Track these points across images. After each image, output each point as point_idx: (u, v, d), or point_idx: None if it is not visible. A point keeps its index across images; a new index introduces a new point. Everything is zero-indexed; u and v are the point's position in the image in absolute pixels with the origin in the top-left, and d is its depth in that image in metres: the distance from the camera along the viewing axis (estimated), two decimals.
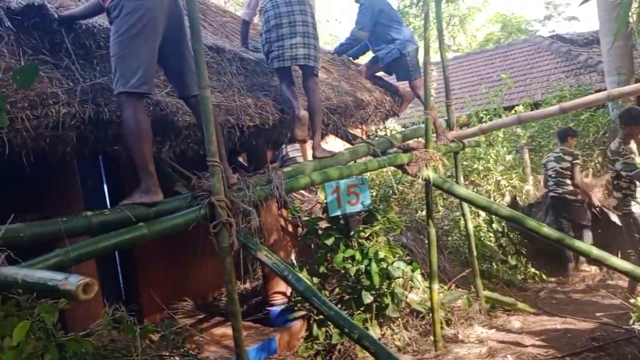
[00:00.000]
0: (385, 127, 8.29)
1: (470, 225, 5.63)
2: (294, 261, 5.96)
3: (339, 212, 5.27)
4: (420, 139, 4.91)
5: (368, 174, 7.04)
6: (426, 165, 4.53)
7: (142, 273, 5.77)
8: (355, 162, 4.43)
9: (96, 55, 3.17)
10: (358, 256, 5.20)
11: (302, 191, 7.30)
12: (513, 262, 7.06)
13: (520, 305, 5.67)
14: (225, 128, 3.53)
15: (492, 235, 7.18)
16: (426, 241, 5.52)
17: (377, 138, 5.12)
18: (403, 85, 5.77)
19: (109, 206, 5.30)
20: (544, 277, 6.96)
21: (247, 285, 6.83)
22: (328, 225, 5.65)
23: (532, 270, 7.06)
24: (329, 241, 5.26)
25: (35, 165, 3.77)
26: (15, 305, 2.12)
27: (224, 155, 3.19)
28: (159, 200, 2.88)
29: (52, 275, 1.70)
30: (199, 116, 2.98)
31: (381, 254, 5.24)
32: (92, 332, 2.79)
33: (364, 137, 5.54)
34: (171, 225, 2.87)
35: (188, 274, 6.23)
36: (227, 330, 5.10)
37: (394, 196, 7.91)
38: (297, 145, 6.66)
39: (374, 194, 7.81)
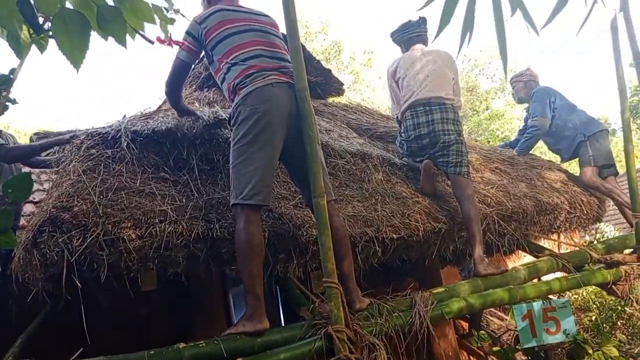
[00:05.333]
0: (596, 234, 6.89)
1: None
2: None
3: (534, 343, 4.24)
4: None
5: (569, 293, 5.76)
6: None
7: None
8: (539, 280, 3.52)
9: (222, 170, 3.04)
10: None
11: (499, 312, 6.29)
12: None
13: None
14: (361, 241, 3.05)
15: None
16: None
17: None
18: None
19: None
20: None
21: None
22: (524, 359, 4.58)
23: None
24: None
25: (179, 293, 3.70)
26: None
27: (348, 274, 2.68)
28: (263, 328, 2.45)
29: None
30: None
31: None
32: None
33: (561, 249, 4.53)
34: None
35: None
36: None
37: (620, 322, 6.32)
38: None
39: (593, 318, 6.33)
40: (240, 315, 3.50)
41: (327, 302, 2.52)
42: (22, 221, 3.87)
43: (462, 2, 1.46)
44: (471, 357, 5.75)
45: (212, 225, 2.64)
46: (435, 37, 1.53)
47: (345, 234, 2.77)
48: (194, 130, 3.06)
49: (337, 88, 5.34)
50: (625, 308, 6.30)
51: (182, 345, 2.31)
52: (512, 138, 5.71)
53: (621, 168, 6.33)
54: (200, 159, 3.02)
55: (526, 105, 5.24)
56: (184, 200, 2.71)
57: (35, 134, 5.36)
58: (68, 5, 1.40)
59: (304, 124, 2.58)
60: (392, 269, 3.93)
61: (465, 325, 5.78)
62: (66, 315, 2.77)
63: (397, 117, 3.96)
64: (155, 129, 2.97)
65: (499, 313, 6.25)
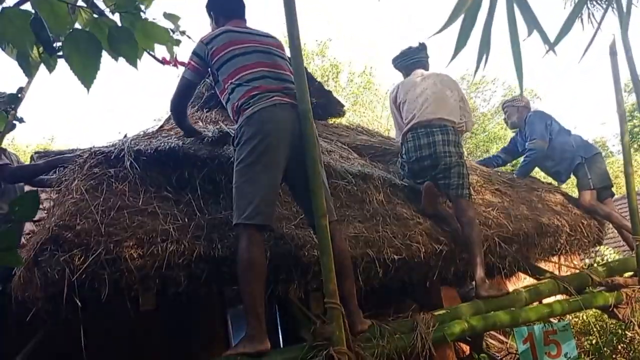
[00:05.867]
0: (595, 258, 6.87)
1: None
2: None
3: None
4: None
5: (570, 317, 5.71)
6: None
7: None
8: (540, 303, 3.51)
9: (224, 190, 3.04)
10: None
11: (499, 335, 6.23)
12: None
13: None
14: (362, 262, 3.05)
15: None
16: None
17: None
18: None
19: None
20: None
21: None
22: None
23: None
24: None
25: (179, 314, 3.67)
26: None
27: (349, 296, 2.67)
28: (264, 349, 2.43)
29: None
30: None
31: None
32: None
33: (562, 271, 4.51)
34: None
35: None
36: None
37: (621, 345, 6.26)
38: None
39: (593, 342, 6.27)
40: (240, 337, 3.48)
41: (328, 323, 2.51)
42: (22, 240, 3.86)
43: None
44: None
45: (214, 245, 2.64)
46: (451, 60, 1.55)
47: (347, 255, 2.77)
48: (197, 150, 3.07)
49: (337, 109, 5.38)
50: (626, 332, 6.25)
51: None
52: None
53: (619, 191, 6.37)
54: (203, 179, 3.03)
55: (516, 129, 5.30)
56: (186, 220, 2.71)
57: (36, 152, 5.39)
58: (77, 25, 1.42)
59: (307, 145, 2.59)
60: (393, 291, 3.91)
61: (465, 348, 5.74)
62: (65, 335, 2.75)
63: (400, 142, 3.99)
64: (159, 148, 2.98)
65: (500, 336, 6.20)
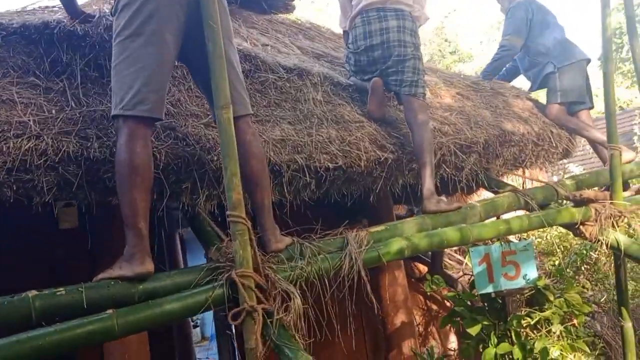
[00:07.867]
0: (563, 176, 6.50)
1: None
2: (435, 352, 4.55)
3: (490, 289, 3.85)
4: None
5: (534, 236, 5.39)
6: (613, 225, 2.98)
7: None
8: (498, 219, 3.08)
9: None
10: (517, 353, 3.66)
11: (457, 255, 5.92)
12: None
13: None
14: (288, 171, 2.53)
15: None
16: None
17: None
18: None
19: None
20: None
21: None
22: (478, 306, 4.21)
23: None
24: (474, 330, 3.82)
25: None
26: None
27: (262, 208, 2.19)
28: (146, 272, 1.94)
29: None
30: None
31: (554, 352, 3.65)
32: None
33: (529, 186, 4.07)
34: (159, 313, 1.89)
35: None
36: None
37: (585, 267, 6.02)
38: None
39: (556, 263, 6.02)
40: (196, 261, 2.99)
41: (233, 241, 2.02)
42: None
43: None
44: (428, 302, 5.43)
45: (89, 144, 2.08)
46: None
47: (262, 159, 2.24)
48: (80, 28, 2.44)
49: (285, 3, 4.67)
50: (591, 253, 5.99)
51: (32, 293, 1.78)
52: None
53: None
54: (87, 64, 2.41)
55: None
56: (53, 112, 2.13)
57: None
58: None
59: (204, 12, 1.98)
60: (345, 208, 3.42)
61: (423, 269, 5.43)
62: None
63: (345, 29, 3.37)
64: (27, 23, 2.34)
65: (457, 256, 5.90)
